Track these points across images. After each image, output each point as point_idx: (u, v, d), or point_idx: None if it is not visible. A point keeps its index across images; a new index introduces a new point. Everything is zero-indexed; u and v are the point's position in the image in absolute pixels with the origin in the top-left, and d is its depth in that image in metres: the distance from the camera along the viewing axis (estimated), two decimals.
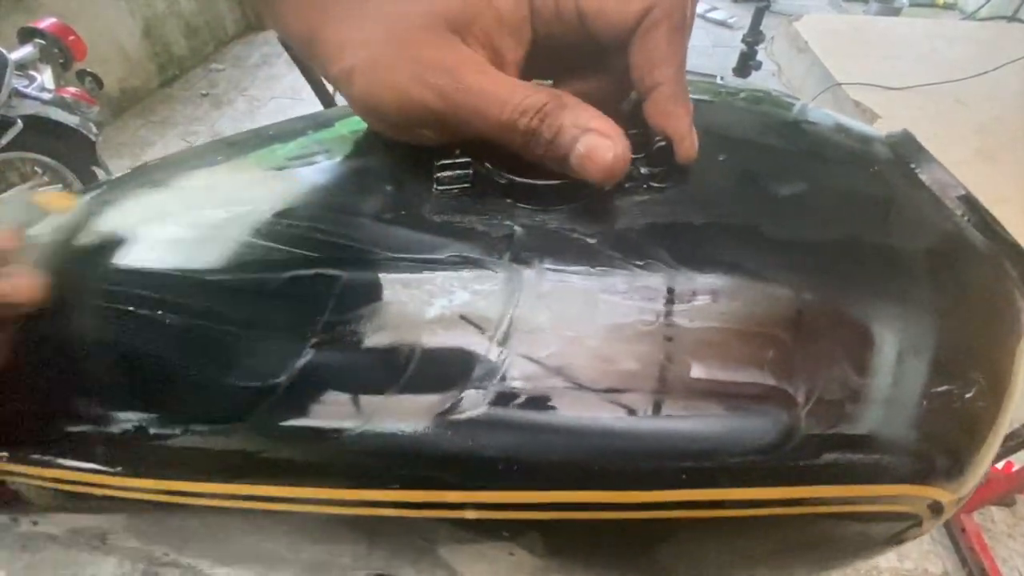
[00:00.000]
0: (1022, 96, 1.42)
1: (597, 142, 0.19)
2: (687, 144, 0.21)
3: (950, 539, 1.02)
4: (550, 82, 0.25)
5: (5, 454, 0.23)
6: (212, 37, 2.86)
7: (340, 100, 0.27)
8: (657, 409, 0.18)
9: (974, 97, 1.41)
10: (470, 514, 0.19)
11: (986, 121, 1.35)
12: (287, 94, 2.48)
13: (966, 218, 0.22)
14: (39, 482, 0.23)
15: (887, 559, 1.04)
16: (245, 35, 3.04)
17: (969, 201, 0.22)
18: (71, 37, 1.42)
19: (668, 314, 0.19)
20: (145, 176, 0.28)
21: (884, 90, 1.43)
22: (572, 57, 0.23)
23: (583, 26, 0.21)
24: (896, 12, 2.13)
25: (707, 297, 0.19)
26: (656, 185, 0.21)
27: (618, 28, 0.20)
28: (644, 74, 0.20)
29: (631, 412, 0.18)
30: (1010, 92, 1.43)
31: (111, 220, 0.25)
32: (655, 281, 0.19)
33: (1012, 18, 1.92)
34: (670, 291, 0.19)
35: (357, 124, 0.29)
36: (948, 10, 2.33)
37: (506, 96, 0.19)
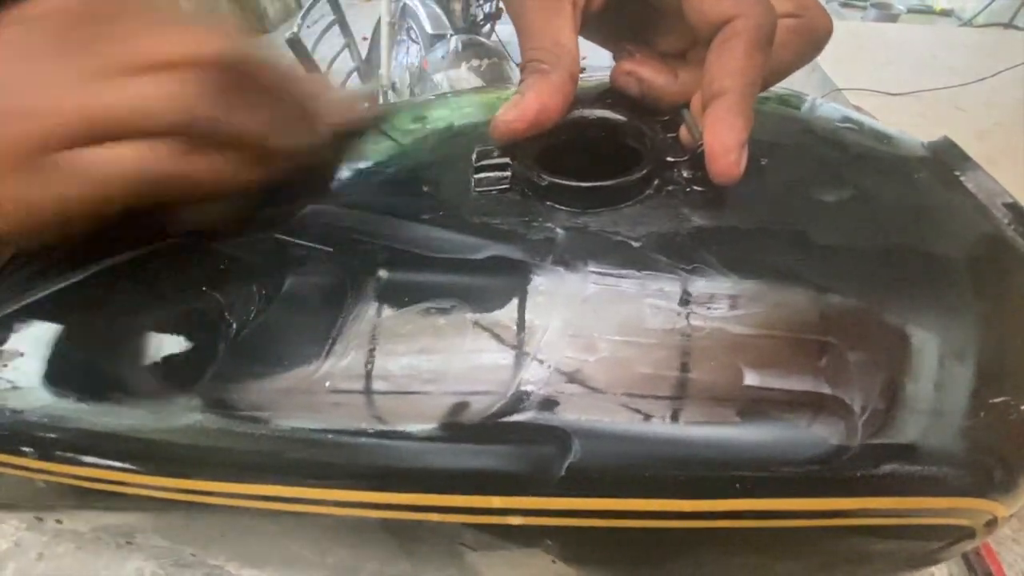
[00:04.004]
0: (1021, 102, 1.43)
1: None
2: (730, 160, 0.19)
3: None
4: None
5: (30, 450, 0.22)
6: None
7: None
8: (710, 417, 0.18)
9: (973, 103, 1.41)
10: (515, 520, 0.19)
11: (986, 127, 1.35)
12: None
13: (1012, 227, 0.22)
14: (64, 479, 0.22)
15: None
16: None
17: (1016, 208, 0.22)
18: None
19: (719, 319, 0.18)
20: None
21: (884, 96, 1.44)
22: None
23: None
24: (894, 19, 2.14)
25: (758, 302, 0.18)
26: (698, 189, 0.21)
27: (704, 24, 0.20)
28: (714, 79, 0.20)
29: (683, 419, 0.18)
30: (1009, 98, 1.44)
31: None
32: (704, 285, 0.19)
33: (1009, 24, 1.93)
34: (720, 296, 0.19)
35: (391, 125, 0.28)
36: (945, 16, 2.34)
37: None
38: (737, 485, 0.17)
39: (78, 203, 0.18)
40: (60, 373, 0.22)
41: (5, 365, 0.22)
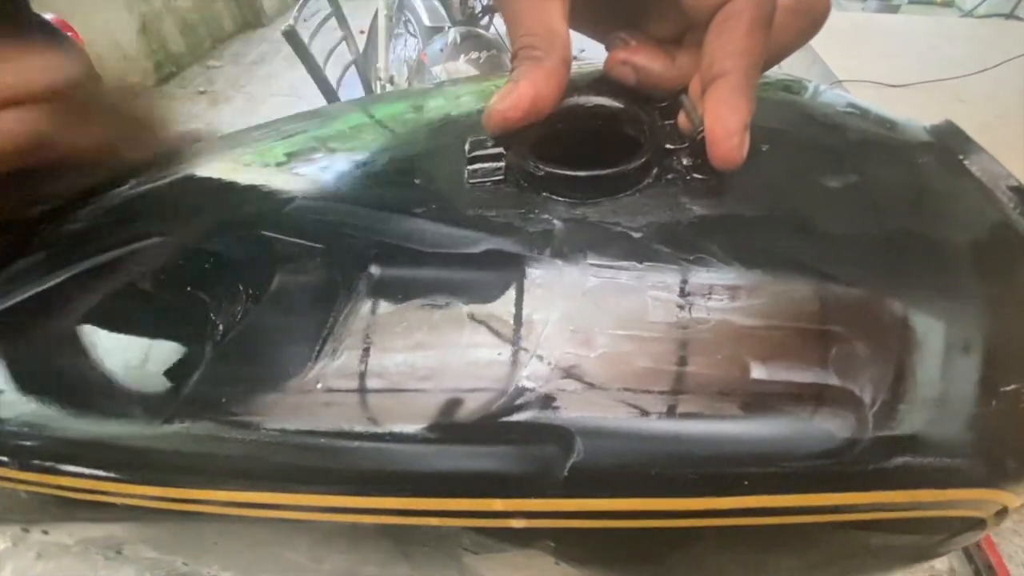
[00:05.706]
0: (1022, 93, 1.42)
1: None
2: (732, 144, 0.18)
3: None
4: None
5: (11, 460, 0.22)
6: (209, 34, 2.83)
7: (344, 95, 0.27)
8: (717, 412, 0.17)
9: (974, 94, 1.41)
10: (517, 523, 0.18)
11: (987, 118, 1.34)
12: (285, 91, 2.45)
13: (1018, 210, 0.21)
14: (47, 490, 0.22)
15: None
16: (243, 32, 3.02)
17: (1021, 192, 0.21)
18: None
19: (723, 311, 0.18)
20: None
21: (885, 87, 1.43)
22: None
23: None
24: (895, 10, 2.13)
25: (763, 293, 0.18)
26: (699, 176, 0.21)
27: (702, 6, 0.19)
28: (714, 61, 0.19)
29: (688, 415, 0.17)
30: (1010, 89, 1.43)
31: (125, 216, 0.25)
32: (706, 277, 0.18)
33: (1010, 15, 1.92)
34: (723, 287, 0.18)
35: (381, 115, 0.28)
36: (946, 7, 2.33)
37: None
38: (746, 482, 0.17)
39: None
40: (40, 380, 0.21)
41: None
